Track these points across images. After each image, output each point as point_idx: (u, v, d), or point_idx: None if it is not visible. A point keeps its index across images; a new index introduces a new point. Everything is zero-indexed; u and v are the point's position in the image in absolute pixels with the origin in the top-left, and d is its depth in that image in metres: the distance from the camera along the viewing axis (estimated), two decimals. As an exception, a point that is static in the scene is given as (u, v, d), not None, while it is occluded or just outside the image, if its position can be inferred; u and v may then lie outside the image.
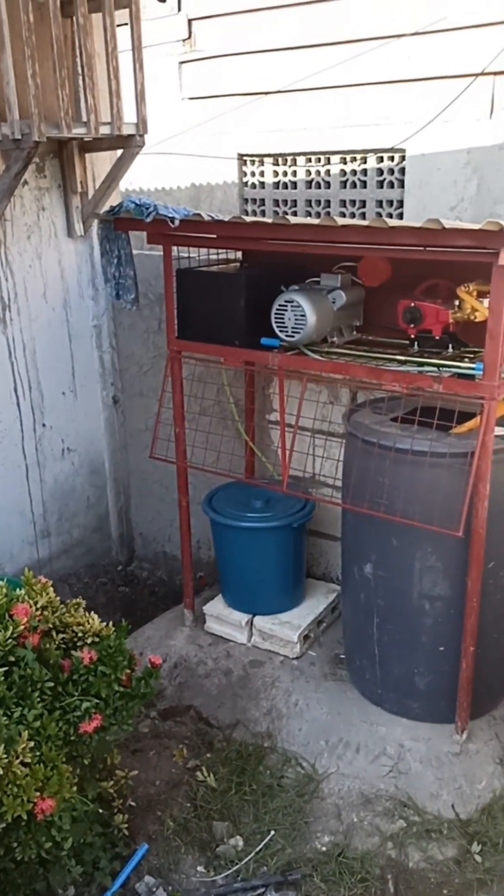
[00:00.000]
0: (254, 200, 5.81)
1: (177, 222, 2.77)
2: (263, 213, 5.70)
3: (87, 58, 3.06)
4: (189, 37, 5.70)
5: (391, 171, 5.13)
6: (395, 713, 2.89)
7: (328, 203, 5.47)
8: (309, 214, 5.50)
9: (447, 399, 2.54)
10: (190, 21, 5.68)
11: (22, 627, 2.15)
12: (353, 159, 5.26)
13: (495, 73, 4.49)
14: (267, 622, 3.28)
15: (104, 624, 2.36)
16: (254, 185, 5.79)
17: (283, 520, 3.19)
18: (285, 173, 5.60)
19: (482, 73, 4.50)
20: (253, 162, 5.73)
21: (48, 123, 2.94)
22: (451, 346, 2.69)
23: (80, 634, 2.33)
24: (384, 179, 5.18)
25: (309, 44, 5.12)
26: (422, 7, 4.63)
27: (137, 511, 4.28)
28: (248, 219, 2.68)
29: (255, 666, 3.20)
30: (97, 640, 2.31)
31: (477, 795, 2.62)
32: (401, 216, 5.03)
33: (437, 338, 2.67)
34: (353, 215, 5.28)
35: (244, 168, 5.80)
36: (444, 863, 2.43)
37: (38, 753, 2.01)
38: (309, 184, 5.52)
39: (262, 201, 5.76)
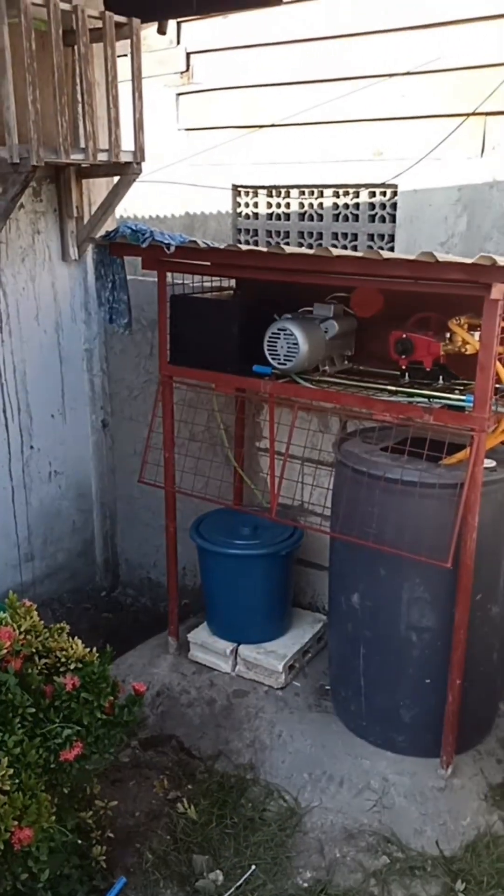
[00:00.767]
0: (247, 230, 5.88)
1: (172, 248, 2.79)
2: (256, 243, 5.77)
3: (88, 86, 3.10)
4: (187, 69, 5.81)
5: (383, 206, 5.21)
6: (379, 746, 2.85)
7: (320, 235, 5.54)
8: (301, 246, 5.57)
9: (437, 430, 2.55)
10: (188, 54, 5.80)
11: (4, 651, 2.11)
12: (346, 193, 5.34)
13: (487, 114, 4.61)
14: (252, 651, 3.25)
15: (88, 650, 2.33)
16: (247, 216, 5.86)
17: (271, 547, 3.18)
18: (279, 205, 5.68)
19: (474, 113, 4.60)
20: (247, 193, 5.81)
21: (47, 149, 2.97)
22: (441, 377, 2.71)
23: (63, 660, 2.29)
24: (376, 213, 5.26)
25: (304, 80, 5.23)
26: (416, 48, 4.75)
27: (123, 536, 4.25)
28: (244, 247, 2.70)
29: (239, 696, 3.16)
30: (80, 665, 2.28)
31: (461, 832, 2.58)
32: (392, 250, 5.11)
33: (428, 369, 2.69)
34: (345, 248, 5.35)
35: (238, 199, 5.88)
36: (427, 901, 2.38)
37: (16, 781, 1.97)
38: (302, 216, 5.60)
39: (256, 231, 5.83)
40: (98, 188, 3.64)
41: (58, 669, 2.27)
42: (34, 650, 2.27)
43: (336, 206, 5.41)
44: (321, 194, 5.45)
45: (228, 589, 3.29)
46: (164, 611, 3.65)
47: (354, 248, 5.32)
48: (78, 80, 3.16)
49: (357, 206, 5.32)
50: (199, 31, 5.65)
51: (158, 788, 2.76)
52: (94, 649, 2.33)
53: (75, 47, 3.10)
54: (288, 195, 5.60)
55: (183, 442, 3.44)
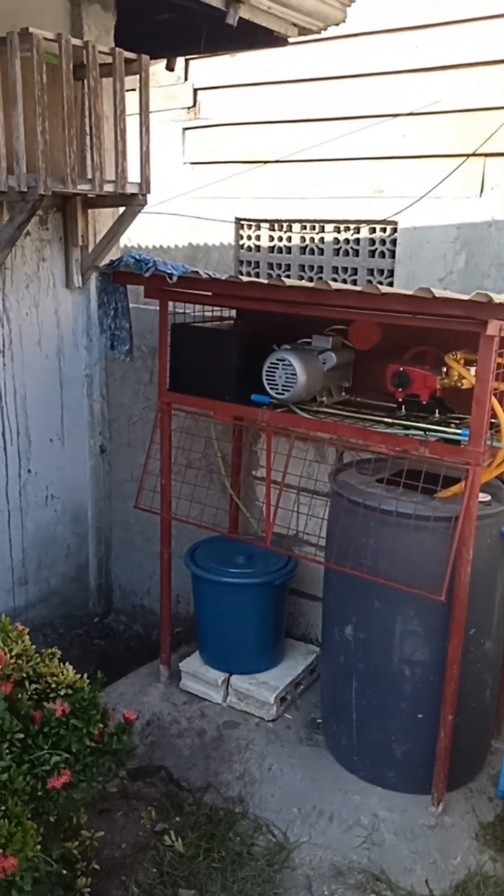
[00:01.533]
0: (249, 263, 5.95)
1: (175, 278, 2.84)
2: (258, 276, 5.84)
3: (96, 119, 3.17)
4: (194, 105, 5.94)
5: (383, 242, 5.29)
6: (370, 781, 2.82)
7: (321, 269, 5.62)
8: (302, 279, 5.65)
9: (433, 463, 2.57)
10: (195, 90, 5.92)
11: (-5, 675, 2.10)
12: (347, 229, 5.43)
13: (486, 155, 4.70)
14: (244, 682, 3.22)
15: (79, 676, 2.31)
16: (249, 248, 5.94)
17: (265, 577, 3.18)
18: (280, 238, 5.77)
19: (473, 154, 4.70)
20: (249, 226, 5.90)
21: (54, 178, 3.02)
22: (437, 411, 2.74)
23: (53, 686, 2.27)
24: (376, 249, 5.34)
25: (308, 118, 5.34)
26: (417, 90, 4.86)
27: (117, 562, 4.24)
28: (245, 279, 2.74)
29: (230, 727, 3.13)
30: (70, 692, 2.26)
31: (451, 871, 2.54)
32: (391, 285, 5.17)
33: (424, 402, 2.71)
34: (344, 281, 5.42)
35: (241, 231, 5.97)
36: (416, 942, 2.34)
37: (2, 808, 1.94)
38: (303, 250, 5.69)
39: (257, 264, 5.91)
40: (104, 218, 3.70)
41: (48, 695, 2.25)
42: (25, 675, 2.25)
43: (337, 240, 5.49)
44: (322, 229, 5.54)
45: (221, 617, 3.28)
46: (157, 638, 3.63)
47: (354, 283, 5.39)
48: (87, 113, 3.23)
49: (357, 241, 5.41)
50: (207, 68, 5.78)
51: (146, 820, 2.72)
52: (85, 675, 2.31)
53: (85, 81, 3.18)
54: (290, 229, 5.68)
55: (180, 469, 3.45)
